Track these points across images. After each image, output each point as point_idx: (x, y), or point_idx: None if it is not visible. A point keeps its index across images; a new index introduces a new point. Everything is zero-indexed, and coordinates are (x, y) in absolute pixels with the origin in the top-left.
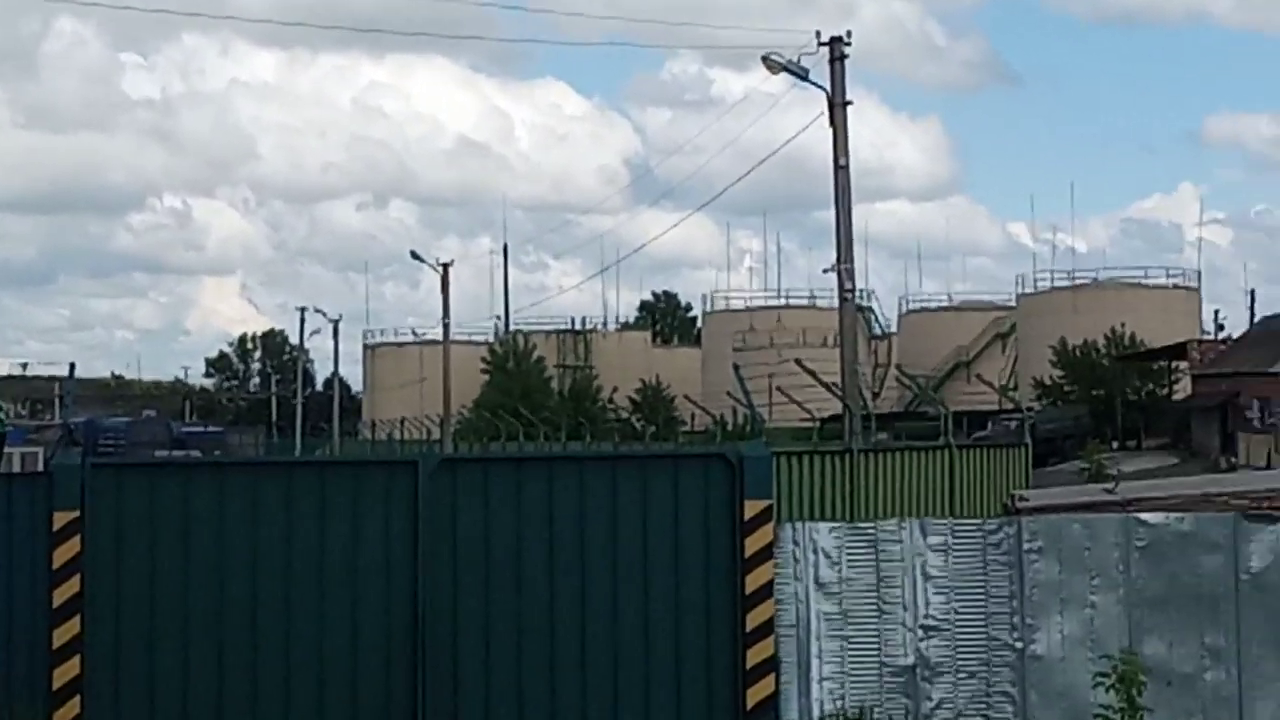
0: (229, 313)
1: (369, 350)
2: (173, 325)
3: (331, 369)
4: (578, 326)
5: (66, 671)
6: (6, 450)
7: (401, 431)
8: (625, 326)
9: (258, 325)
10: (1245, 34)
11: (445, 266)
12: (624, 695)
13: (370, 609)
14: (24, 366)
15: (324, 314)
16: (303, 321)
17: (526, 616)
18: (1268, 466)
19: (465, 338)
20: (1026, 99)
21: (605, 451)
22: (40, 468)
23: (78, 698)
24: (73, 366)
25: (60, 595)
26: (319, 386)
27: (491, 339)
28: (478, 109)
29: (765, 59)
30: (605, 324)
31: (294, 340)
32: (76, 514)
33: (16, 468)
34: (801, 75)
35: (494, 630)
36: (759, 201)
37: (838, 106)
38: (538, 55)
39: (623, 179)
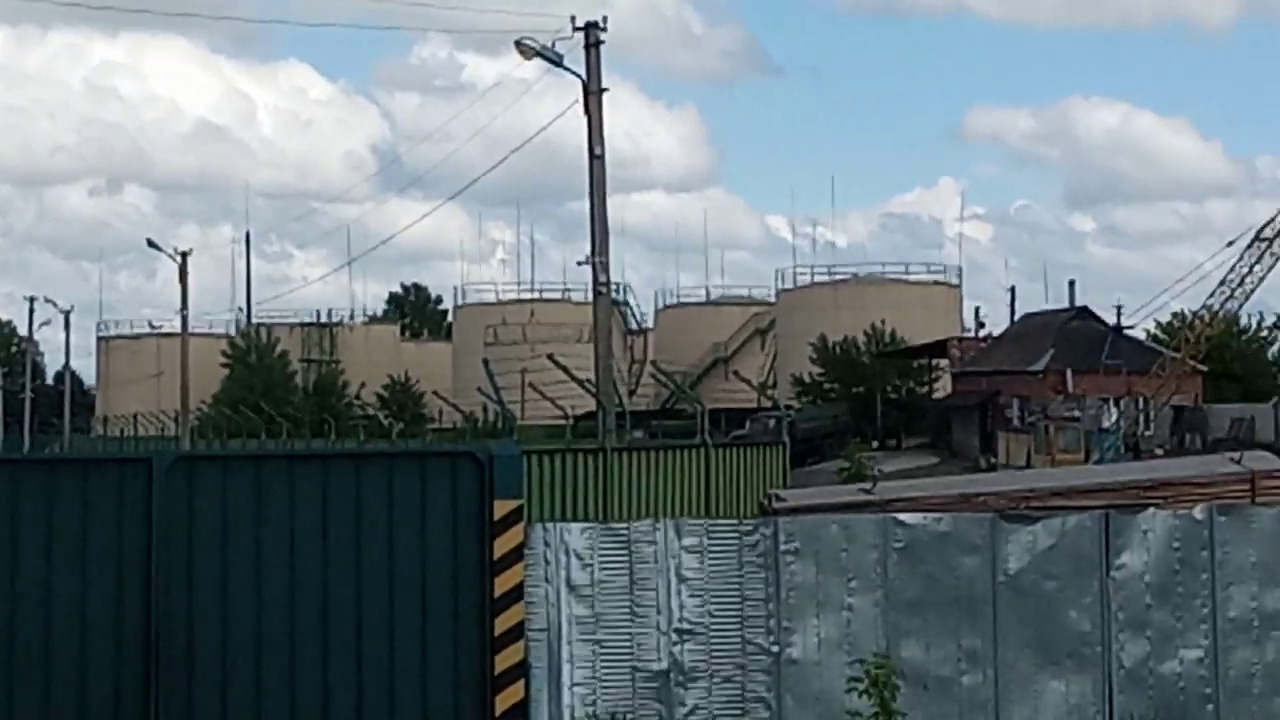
0: None
1: (103, 343)
2: None
3: (63, 362)
4: (323, 319)
5: None
6: None
7: (136, 428)
8: (373, 320)
9: None
10: (1005, 27)
11: (184, 255)
12: (368, 701)
13: (101, 614)
14: None
15: (55, 304)
16: (32, 312)
17: (267, 621)
18: (1027, 466)
19: (205, 330)
20: (786, 90)
21: (350, 449)
22: None
23: None
24: None
25: None
26: (49, 380)
27: (233, 332)
28: (218, 91)
29: (519, 44)
30: (352, 317)
31: (22, 331)
32: None
33: None
34: (556, 61)
35: (232, 636)
36: (511, 191)
37: (593, 94)
38: (281, 36)
39: (370, 166)
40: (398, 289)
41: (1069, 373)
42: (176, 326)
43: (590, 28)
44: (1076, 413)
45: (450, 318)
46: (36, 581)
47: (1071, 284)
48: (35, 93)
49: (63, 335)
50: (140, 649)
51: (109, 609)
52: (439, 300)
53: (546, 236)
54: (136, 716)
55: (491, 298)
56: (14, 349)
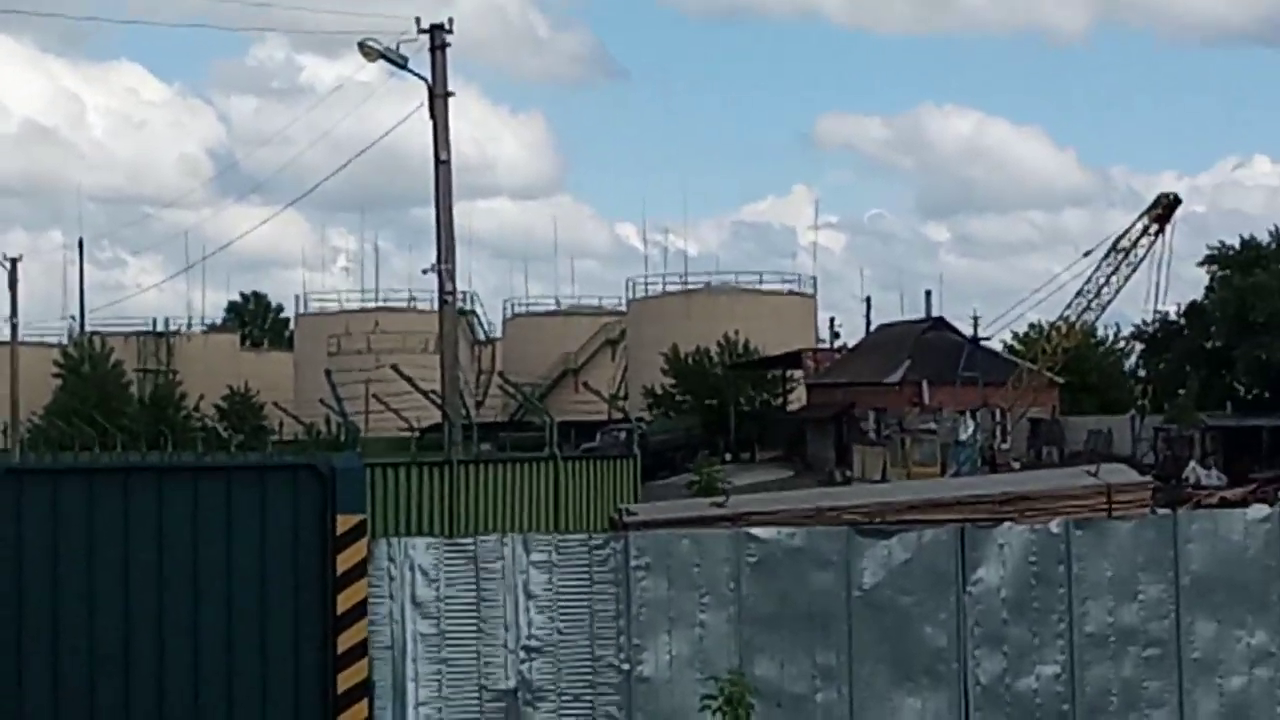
0: None
1: None
2: None
3: None
4: (159, 328)
5: None
6: None
7: None
8: (212, 328)
9: None
10: (855, 33)
11: (13, 262)
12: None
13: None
14: None
15: None
16: None
17: (99, 640)
18: (883, 479)
19: (36, 339)
20: (634, 95)
21: (187, 462)
22: None
23: None
24: None
25: None
26: None
27: (65, 340)
28: (46, 91)
29: (362, 46)
30: (190, 325)
31: None
32: None
33: None
34: (400, 64)
35: (64, 656)
36: (354, 197)
37: (439, 98)
38: (113, 36)
39: (207, 171)
40: (237, 297)
41: (925, 384)
42: (5, 335)
43: (436, 30)
44: (933, 425)
45: (292, 326)
46: None
47: (928, 294)
48: None
49: None
50: None
51: None
52: (280, 309)
53: (390, 244)
54: None
55: (334, 306)
56: None
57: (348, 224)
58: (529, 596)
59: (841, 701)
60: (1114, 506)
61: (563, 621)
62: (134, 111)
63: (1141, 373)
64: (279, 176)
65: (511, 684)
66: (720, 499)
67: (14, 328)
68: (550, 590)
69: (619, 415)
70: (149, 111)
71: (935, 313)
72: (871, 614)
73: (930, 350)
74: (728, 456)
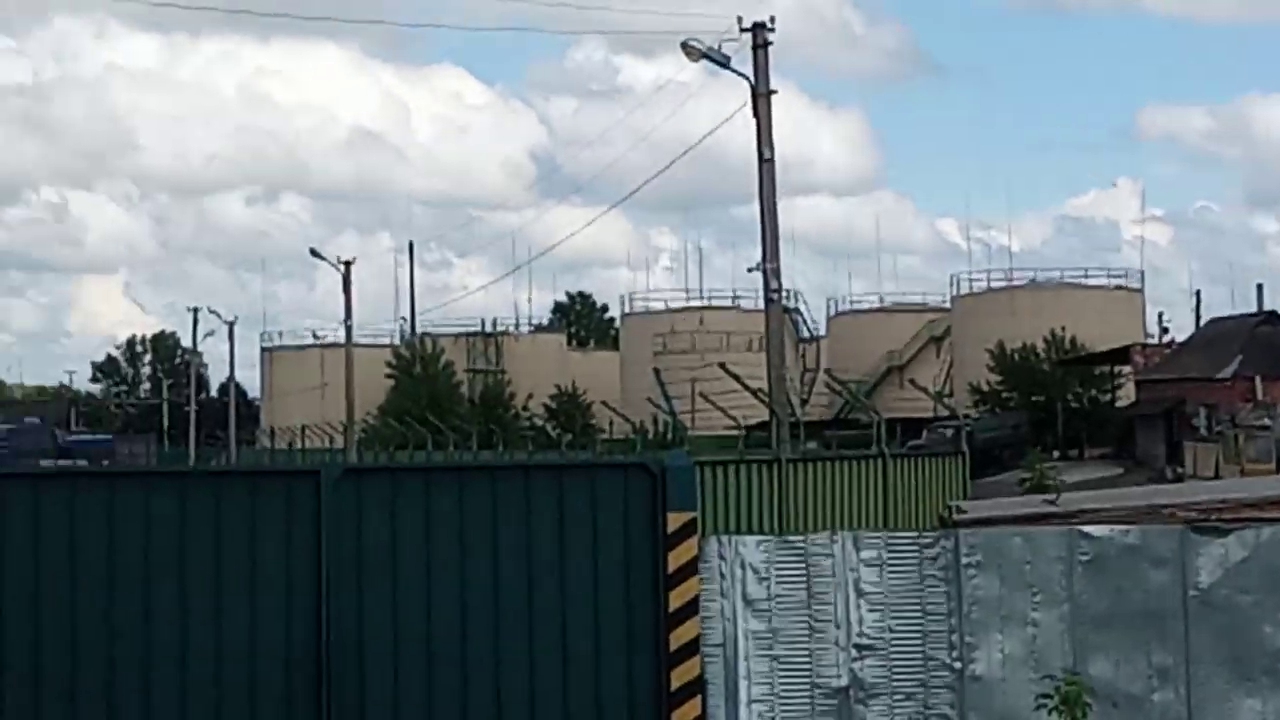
0: (113, 314)
1: (266, 354)
2: (53, 326)
3: (227, 374)
4: (488, 329)
5: None
6: None
7: (303, 440)
8: (538, 329)
9: (145, 327)
10: (1176, 23)
11: (347, 265)
12: (541, 718)
13: (270, 629)
14: None
15: (219, 315)
16: (195, 323)
17: (436, 638)
18: (1215, 476)
19: (369, 340)
20: (952, 91)
21: (519, 461)
22: None
23: None
24: None
25: None
26: (214, 392)
27: (397, 342)
28: (373, 97)
29: (685, 46)
30: (517, 326)
31: (186, 343)
32: None
33: None
34: (723, 63)
35: (403, 653)
36: (674, 197)
37: (761, 96)
38: (434, 40)
39: (529, 172)
40: (561, 297)
41: (1259, 380)
42: (339, 337)
43: (758, 29)
44: (1266, 421)
45: (617, 326)
46: (205, 596)
47: (1259, 288)
48: (189, 101)
49: (226, 347)
50: (311, 664)
51: (278, 623)
52: (605, 309)
53: (711, 243)
54: None
55: (659, 306)
56: (179, 361)
57: (669, 223)
58: (860, 594)
59: (1179, 702)
60: None
61: (894, 619)
62: (457, 115)
63: None
64: (600, 178)
65: (843, 682)
66: (1052, 496)
67: (348, 329)
68: (881, 588)
69: (945, 412)
70: (472, 115)
71: (1267, 306)
72: (1208, 613)
73: (1263, 345)
74: (1055, 453)
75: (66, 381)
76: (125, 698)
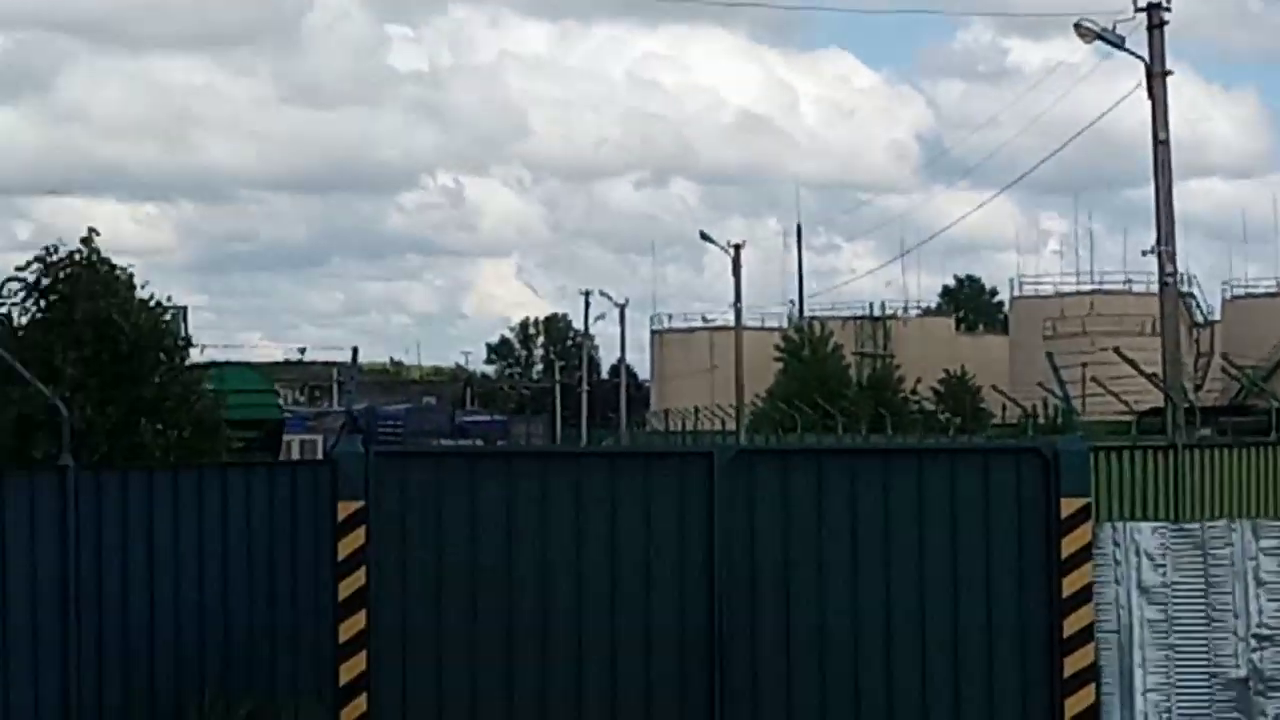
0: (507, 296)
1: (656, 336)
2: (449, 309)
3: (618, 356)
4: (876, 313)
5: (353, 667)
6: (285, 438)
7: (696, 421)
8: (926, 312)
9: (536, 309)
10: None
11: (736, 248)
12: (933, 705)
13: (663, 607)
14: (302, 352)
15: (609, 298)
16: (587, 306)
17: (828, 620)
18: None
19: (757, 324)
20: None
21: (910, 445)
22: (319, 455)
23: (364, 694)
24: (355, 351)
25: (346, 588)
26: (604, 374)
27: (785, 325)
28: (759, 82)
29: (1078, 26)
30: (905, 310)
31: (578, 325)
32: (361, 504)
33: (295, 455)
34: (1117, 44)
35: (795, 635)
36: (1064, 180)
37: (1157, 77)
38: (822, 24)
39: (915, 156)
40: (950, 281)
41: None
42: (728, 319)
43: (1153, 8)
44: None
45: (1006, 310)
46: (600, 574)
47: None
48: (579, 87)
49: (617, 329)
50: (704, 642)
51: (672, 601)
52: (994, 292)
53: (1102, 226)
54: (701, 710)
55: (1048, 289)
56: (570, 343)
57: (1059, 207)
58: (1259, 584)
59: None
60: None
61: None
62: (844, 99)
63: None
64: (988, 161)
65: (1242, 673)
66: None
67: (738, 312)
68: None
69: None
70: (858, 99)
71: None
72: None
73: None
74: None
75: (462, 363)
76: (523, 666)
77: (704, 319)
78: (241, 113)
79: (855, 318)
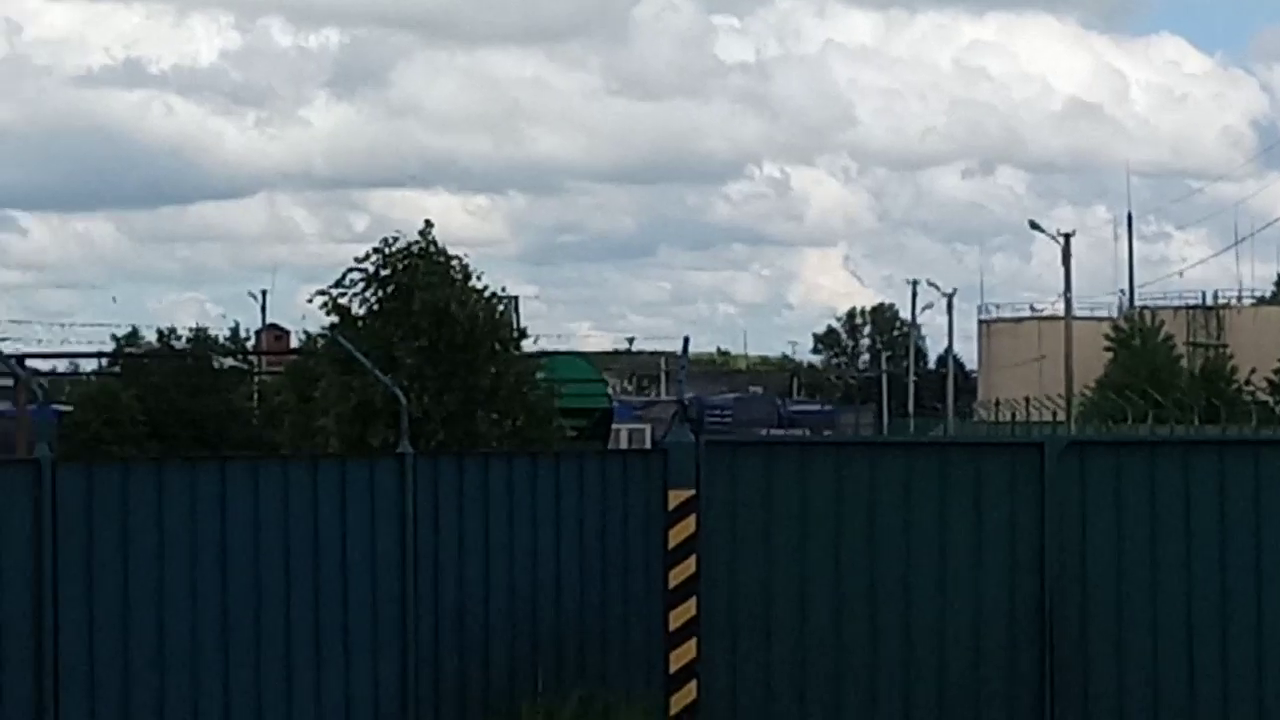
0: (832, 286)
1: (983, 326)
2: (775, 299)
3: (945, 346)
4: (1208, 301)
5: (683, 654)
6: (614, 426)
7: (1027, 411)
8: (1260, 301)
9: (862, 299)
10: None
11: (1066, 237)
12: (1270, 701)
13: (994, 596)
14: (630, 341)
15: (937, 287)
16: (914, 295)
17: (1162, 608)
18: None
19: (1087, 313)
20: None
21: (1247, 436)
22: (647, 444)
23: (694, 682)
24: (686, 341)
25: (676, 576)
26: (931, 364)
27: (1115, 314)
28: (1088, 69)
29: None
30: (1239, 299)
31: (904, 315)
32: (692, 493)
33: (624, 445)
34: None
35: (1126, 622)
36: None
37: None
38: (1154, 9)
39: (1250, 142)
40: None
41: None
42: (1056, 309)
43: None
44: None
45: None
46: (929, 561)
47: None
48: (906, 75)
49: (944, 319)
50: (1034, 631)
51: (1002, 591)
52: None
53: None
54: (1032, 699)
55: None
56: (896, 332)
57: None
58: None
59: None
60: None
61: None
62: (1176, 85)
63: None
64: None
65: None
66: None
67: (1068, 302)
68: None
69: None
70: (1191, 84)
71: None
72: None
73: None
74: None
75: (789, 352)
76: (853, 650)
77: (1032, 309)
78: (570, 105)
79: (1187, 307)
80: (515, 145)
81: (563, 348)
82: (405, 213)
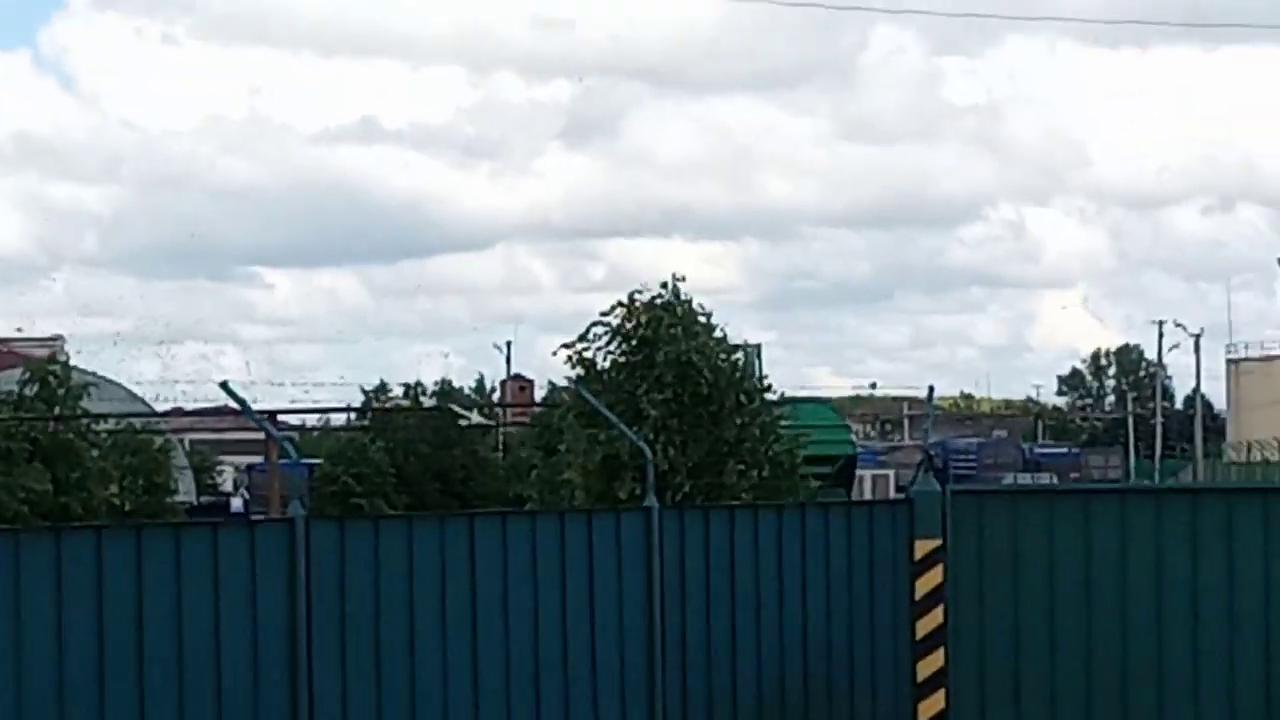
0: (1071, 327)
1: (1232, 366)
2: (1015, 341)
3: (1192, 386)
4: None
5: (932, 705)
6: (857, 472)
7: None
8: None
9: (1103, 340)
10: None
11: None
12: None
13: (1248, 656)
14: (873, 386)
15: (1184, 327)
16: (1160, 335)
17: None
18: None
19: None
20: None
21: None
22: (890, 491)
23: None
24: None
25: (924, 626)
26: (1179, 404)
27: None
28: None
29: None
30: None
31: (1150, 355)
32: (939, 542)
33: (867, 491)
34: None
35: None
36: None
37: None
38: None
39: None
40: None
41: None
42: None
43: None
44: None
45: None
46: (1183, 612)
47: None
48: (1139, 113)
49: (1189, 359)
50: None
51: (1259, 638)
52: None
53: None
54: None
55: None
56: (1143, 373)
57: None
58: None
59: None
60: None
61: None
62: None
63: None
64: None
65: None
66: None
67: None
68: None
69: None
70: None
71: None
72: None
73: None
74: None
75: (1033, 395)
76: (1102, 702)
77: None
78: (801, 150)
79: None
80: (748, 192)
81: (801, 394)
82: (641, 261)
